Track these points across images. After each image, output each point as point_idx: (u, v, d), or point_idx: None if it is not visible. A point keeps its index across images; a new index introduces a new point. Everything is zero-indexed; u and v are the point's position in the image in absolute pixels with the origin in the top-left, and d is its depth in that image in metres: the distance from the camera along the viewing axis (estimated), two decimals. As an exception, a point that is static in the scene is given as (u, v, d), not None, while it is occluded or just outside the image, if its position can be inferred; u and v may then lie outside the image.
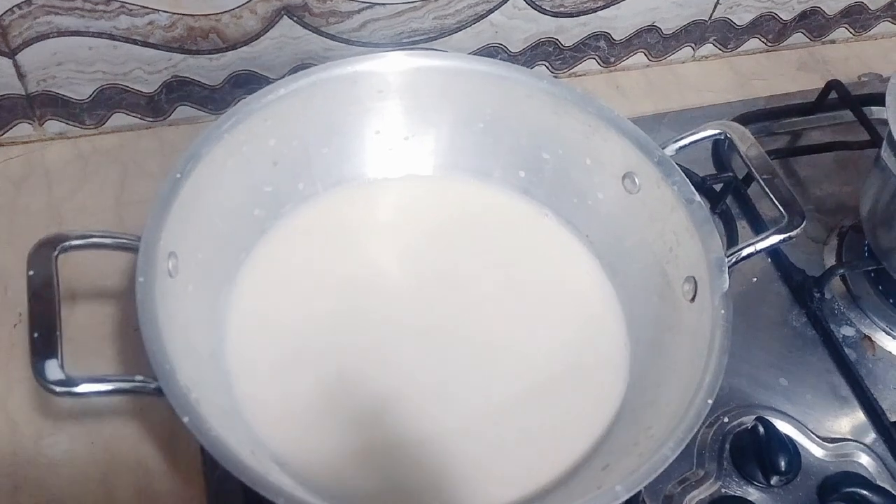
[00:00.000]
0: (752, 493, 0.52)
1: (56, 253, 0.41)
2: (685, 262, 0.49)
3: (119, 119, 0.65)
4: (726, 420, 0.54)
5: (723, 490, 0.51)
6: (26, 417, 0.51)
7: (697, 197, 0.50)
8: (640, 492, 0.39)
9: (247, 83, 0.65)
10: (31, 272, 0.40)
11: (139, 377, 0.40)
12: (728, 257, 0.48)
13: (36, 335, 0.38)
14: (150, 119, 0.66)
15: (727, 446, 0.53)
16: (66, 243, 0.42)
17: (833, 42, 0.84)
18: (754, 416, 0.54)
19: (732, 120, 0.65)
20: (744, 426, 0.54)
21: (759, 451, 0.52)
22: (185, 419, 0.38)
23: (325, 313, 0.52)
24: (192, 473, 0.50)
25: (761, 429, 0.52)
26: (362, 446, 0.47)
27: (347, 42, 0.65)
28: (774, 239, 0.49)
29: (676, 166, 0.51)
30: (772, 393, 0.56)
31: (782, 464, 0.51)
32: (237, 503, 0.48)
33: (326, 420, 0.48)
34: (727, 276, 0.46)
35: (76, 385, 0.38)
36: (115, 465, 0.50)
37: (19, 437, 0.51)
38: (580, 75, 0.76)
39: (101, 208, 0.61)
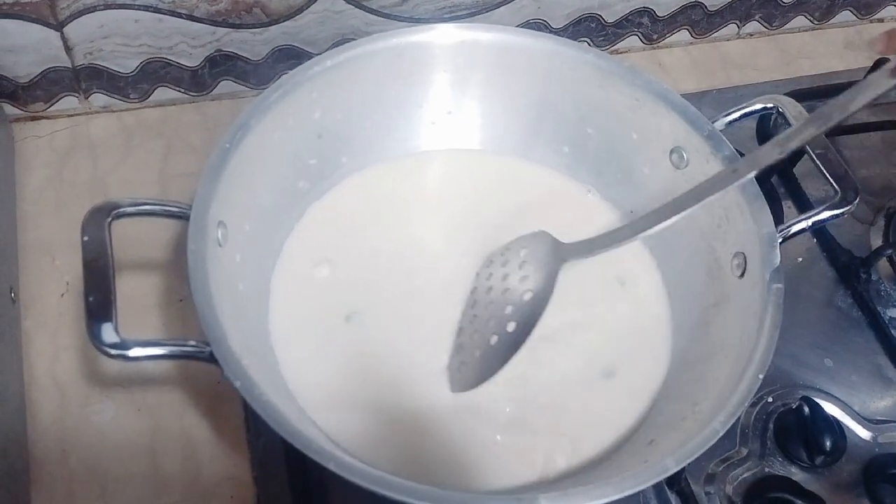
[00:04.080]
0: (795, 472, 0.51)
1: (109, 219, 0.42)
2: (734, 237, 0.49)
3: (163, 93, 0.66)
4: (770, 400, 0.54)
5: (766, 470, 0.51)
6: (74, 384, 0.52)
7: (747, 173, 0.49)
8: (682, 470, 0.39)
9: (289, 58, 0.66)
10: (85, 238, 0.41)
11: (192, 342, 0.40)
12: (778, 234, 0.47)
13: (91, 298, 0.39)
14: (193, 93, 0.67)
15: (771, 426, 0.53)
16: (119, 210, 0.42)
17: (881, 21, 0.82)
18: (799, 397, 0.53)
19: (778, 99, 0.64)
20: (788, 406, 0.53)
21: (804, 431, 0.51)
22: (237, 384, 0.38)
23: (368, 285, 0.52)
24: (237, 441, 0.51)
25: (806, 409, 0.52)
26: (402, 417, 0.48)
27: (389, 17, 0.65)
28: (827, 214, 0.48)
29: (726, 140, 0.50)
30: (816, 373, 0.56)
31: (827, 444, 0.51)
32: (281, 470, 0.49)
33: (367, 390, 0.48)
34: (779, 251, 0.46)
35: (130, 348, 0.39)
36: (160, 432, 0.51)
37: (67, 404, 0.52)
38: (622, 52, 0.75)
39: (144, 181, 0.62)
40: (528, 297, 0.48)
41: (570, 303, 0.52)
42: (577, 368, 0.50)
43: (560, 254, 0.50)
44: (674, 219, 0.47)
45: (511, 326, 0.48)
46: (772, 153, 0.45)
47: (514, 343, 0.47)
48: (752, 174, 0.45)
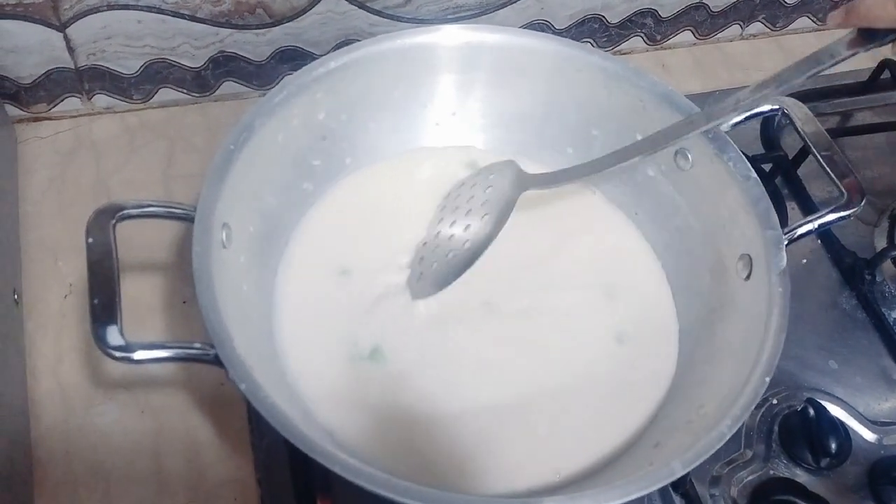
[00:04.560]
0: (800, 475, 0.51)
1: (114, 221, 0.42)
2: (739, 239, 0.49)
3: (166, 94, 0.66)
4: (775, 402, 0.54)
5: (771, 472, 0.51)
6: (77, 386, 0.52)
7: (753, 173, 0.49)
8: (688, 472, 0.39)
9: (292, 59, 0.66)
10: (89, 240, 0.41)
11: (197, 344, 0.40)
12: (784, 236, 0.47)
13: (96, 301, 0.39)
14: (197, 94, 0.67)
15: (776, 428, 0.53)
16: (124, 212, 0.42)
17: (884, 21, 0.82)
18: (804, 399, 0.53)
19: (781, 100, 0.64)
20: (793, 408, 0.53)
21: (809, 434, 0.51)
22: (242, 386, 0.38)
23: (373, 286, 0.52)
24: (240, 443, 0.51)
25: (811, 411, 0.52)
26: (408, 420, 0.47)
27: (393, 18, 0.65)
28: (833, 217, 0.48)
29: (731, 142, 0.50)
30: (821, 375, 0.56)
31: (832, 446, 0.50)
32: (284, 472, 0.49)
33: (372, 392, 0.48)
34: (785, 253, 0.45)
35: (135, 351, 0.39)
36: (164, 434, 0.51)
37: (70, 406, 0.51)
38: (625, 53, 0.75)
39: (148, 182, 0.62)
40: (486, 219, 0.52)
41: (573, 302, 0.52)
42: (583, 373, 0.50)
43: (522, 183, 0.54)
44: (630, 161, 0.50)
45: (467, 245, 0.52)
46: (728, 107, 0.48)
47: (468, 259, 0.51)
48: (709, 125, 0.48)
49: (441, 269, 0.52)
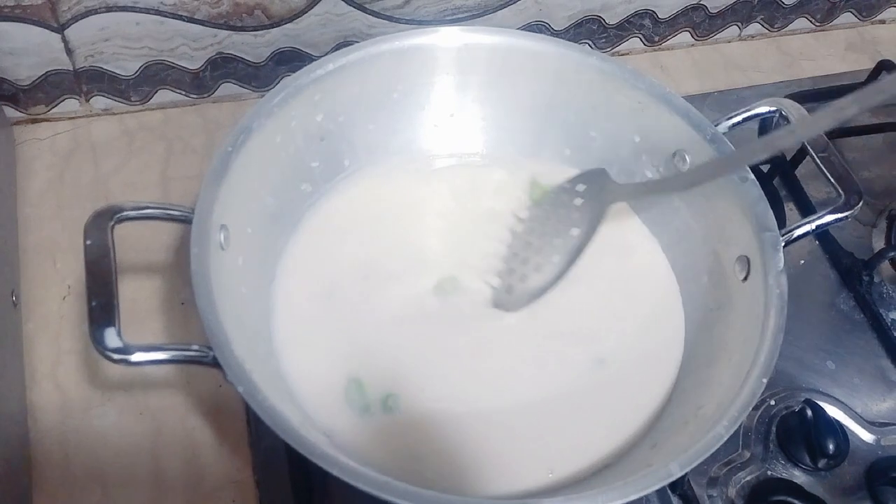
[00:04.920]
0: (798, 476, 0.51)
1: (112, 223, 0.41)
2: (737, 241, 0.49)
3: (164, 95, 0.66)
4: (773, 403, 0.54)
5: (769, 473, 0.51)
6: (76, 388, 0.52)
7: (751, 175, 0.49)
8: (686, 473, 0.39)
9: (290, 60, 0.66)
10: (87, 242, 0.41)
11: (195, 346, 0.40)
12: (781, 237, 0.47)
13: (94, 303, 0.39)
14: (195, 96, 0.67)
15: (774, 429, 0.53)
16: (122, 214, 0.42)
17: (883, 22, 0.82)
18: (801, 399, 0.53)
19: (779, 101, 0.64)
20: (791, 409, 0.53)
21: (807, 434, 0.51)
22: (241, 388, 0.38)
23: (372, 287, 0.52)
24: (239, 444, 0.51)
25: (809, 411, 0.52)
26: (406, 422, 0.47)
27: (391, 19, 0.65)
28: (830, 218, 0.48)
29: (729, 144, 0.50)
30: (819, 376, 0.56)
31: (830, 447, 0.50)
32: (283, 474, 0.49)
33: (374, 394, 0.48)
34: (782, 254, 0.45)
35: (133, 353, 0.38)
36: (162, 436, 0.51)
37: (69, 408, 0.51)
38: (623, 54, 0.75)
39: (146, 183, 0.62)
40: (575, 233, 0.52)
41: (580, 305, 0.52)
42: (585, 372, 0.50)
43: (611, 193, 0.53)
44: (727, 173, 0.48)
45: (556, 258, 0.52)
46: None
47: (557, 272, 0.51)
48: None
49: (532, 283, 0.51)
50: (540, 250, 0.52)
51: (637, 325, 0.52)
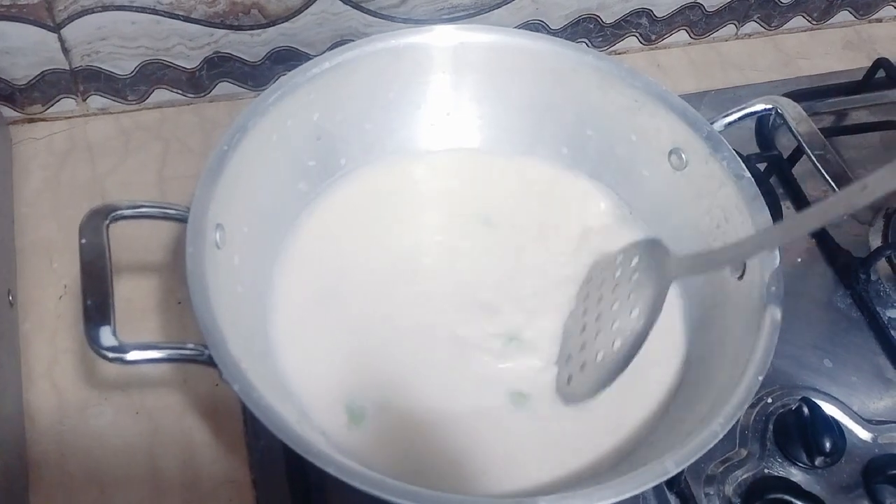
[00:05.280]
0: (795, 473, 0.51)
1: (107, 222, 0.41)
2: (734, 239, 0.49)
3: (160, 95, 0.66)
4: (770, 401, 0.54)
5: (766, 470, 0.51)
6: (72, 387, 0.52)
7: (747, 173, 0.49)
8: (682, 471, 0.39)
9: (287, 59, 0.65)
10: (82, 240, 0.41)
11: (191, 345, 0.40)
12: (777, 235, 0.47)
13: (89, 302, 0.39)
14: (192, 95, 0.67)
15: (770, 427, 0.53)
16: (117, 213, 0.42)
17: (880, 21, 0.82)
18: (798, 397, 0.53)
19: (776, 99, 0.64)
20: (788, 407, 0.53)
21: (804, 432, 0.51)
22: (236, 387, 0.38)
23: (369, 287, 0.52)
24: (236, 444, 0.51)
25: (806, 409, 0.52)
26: (402, 421, 0.47)
27: (387, 18, 0.65)
28: (826, 216, 0.48)
29: (725, 142, 0.50)
30: (816, 374, 0.56)
31: (827, 445, 0.50)
32: (280, 473, 0.49)
33: (368, 393, 0.48)
34: (778, 252, 0.45)
35: (128, 352, 0.38)
36: (159, 436, 0.51)
37: (65, 407, 0.51)
38: (621, 53, 0.75)
39: (143, 183, 0.62)
40: (635, 314, 0.47)
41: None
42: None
43: (671, 270, 0.47)
44: (802, 231, 0.43)
45: (617, 344, 0.46)
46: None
47: (621, 361, 0.46)
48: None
49: (592, 373, 0.47)
50: (596, 335, 0.48)
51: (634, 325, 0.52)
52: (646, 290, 0.47)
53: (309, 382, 0.48)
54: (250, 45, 0.64)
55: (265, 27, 0.63)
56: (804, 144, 0.51)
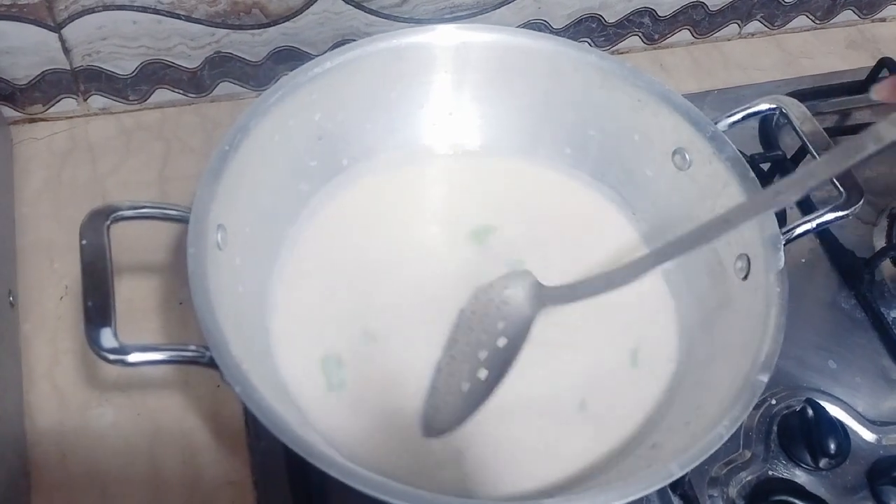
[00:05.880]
0: (799, 475, 0.51)
1: (108, 223, 0.41)
2: (738, 239, 0.48)
3: (162, 95, 0.66)
4: (774, 402, 0.53)
5: (770, 472, 0.51)
6: (73, 388, 0.52)
7: (751, 173, 0.49)
8: (686, 473, 0.39)
9: (288, 59, 0.65)
10: (83, 241, 0.40)
11: (192, 346, 0.40)
12: (782, 236, 0.47)
13: (90, 303, 0.39)
14: (193, 95, 0.66)
15: (775, 428, 0.52)
16: (118, 213, 0.42)
17: (883, 20, 0.82)
18: (803, 399, 0.53)
19: (779, 99, 0.64)
20: (792, 408, 0.53)
21: (808, 434, 0.51)
22: (238, 389, 0.38)
23: (370, 288, 0.52)
24: (237, 445, 0.50)
25: (810, 411, 0.51)
26: (404, 422, 0.47)
27: (389, 17, 0.65)
28: (831, 216, 0.48)
29: (729, 142, 0.50)
30: (820, 375, 0.55)
31: (832, 446, 0.50)
32: (282, 475, 0.48)
33: (368, 394, 0.48)
34: (783, 253, 0.45)
35: (130, 353, 0.38)
36: (160, 437, 0.51)
37: (66, 408, 0.51)
38: (623, 52, 0.75)
39: (144, 183, 0.62)
40: (503, 344, 0.47)
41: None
42: (576, 372, 0.50)
43: (540, 299, 0.48)
44: (670, 261, 0.45)
45: (483, 374, 0.47)
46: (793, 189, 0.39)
47: (484, 391, 0.46)
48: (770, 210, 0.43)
49: (457, 402, 0.46)
50: (462, 365, 0.48)
51: (624, 325, 0.52)
52: (513, 319, 0.48)
53: (309, 383, 0.48)
54: (252, 45, 0.64)
55: (266, 27, 0.63)
56: (808, 144, 0.50)
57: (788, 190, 0.39)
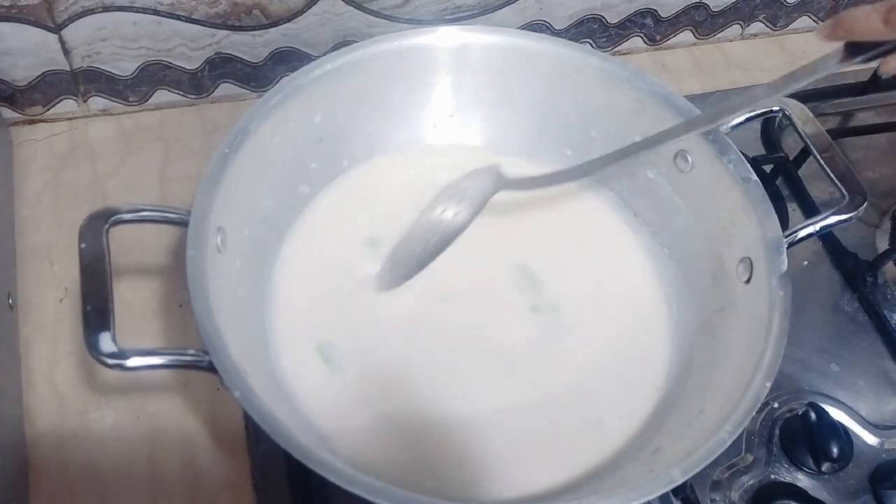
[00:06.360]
0: (801, 479, 0.51)
1: (107, 226, 0.41)
2: (740, 242, 0.48)
3: (162, 96, 0.65)
4: (776, 405, 0.53)
5: (772, 476, 0.51)
6: (73, 391, 0.52)
7: (754, 175, 0.48)
8: (688, 479, 0.39)
9: (288, 60, 0.65)
10: (82, 245, 0.40)
11: (191, 351, 0.39)
12: (784, 239, 0.47)
13: (88, 308, 0.38)
14: (193, 96, 0.66)
15: (777, 432, 0.52)
16: (117, 216, 0.42)
17: (886, 21, 0.82)
18: (805, 402, 0.53)
19: (780, 100, 0.63)
20: (794, 412, 0.53)
21: (811, 438, 0.51)
22: (237, 394, 0.38)
23: (371, 292, 0.52)
24: (237, 449, 0.50)
25: (812, 414, 0.51)
26: (406, 425, 0.47)
27: (390, 18, 0.64)
28: (834, 219, 0.47)
29: (732, 144, 0.50)
30: (823, 378, 0.55)
31: (834, 450, 0.50)
32: (282, 478, 0.48)
33: (370, 395, 0.48)
34: (786, 256, 0.45)
35: (129, 358, 0.38)
36: (160, 440, 0.50)
37: (66, 411, 0.51)
38: (625, 53, 0.75)
39: (144, 185, 0.62)
40: (459, 214, 0.52)
41: (569, 303, 0.52)
42: (573, 373, 0.50)
43: (499, 183, 0.53)
44: (611, 167, 0.51)
45: (435, 238, 0.52)
46: (724, 110, 0.47)
47: (434, 250, 0.52)
48: (697, 129, 0.48)
49: (409, 260, 0.52)
50: (419, 235, 0.53)
51: (619, 328, 0.52)
52: (471, 197, 0.53)
53: (309, 387, 0.48)
54: (252, 46, 0.64)
55: (267, 28, 0.62)
56: (811, 145, 0.50)
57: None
